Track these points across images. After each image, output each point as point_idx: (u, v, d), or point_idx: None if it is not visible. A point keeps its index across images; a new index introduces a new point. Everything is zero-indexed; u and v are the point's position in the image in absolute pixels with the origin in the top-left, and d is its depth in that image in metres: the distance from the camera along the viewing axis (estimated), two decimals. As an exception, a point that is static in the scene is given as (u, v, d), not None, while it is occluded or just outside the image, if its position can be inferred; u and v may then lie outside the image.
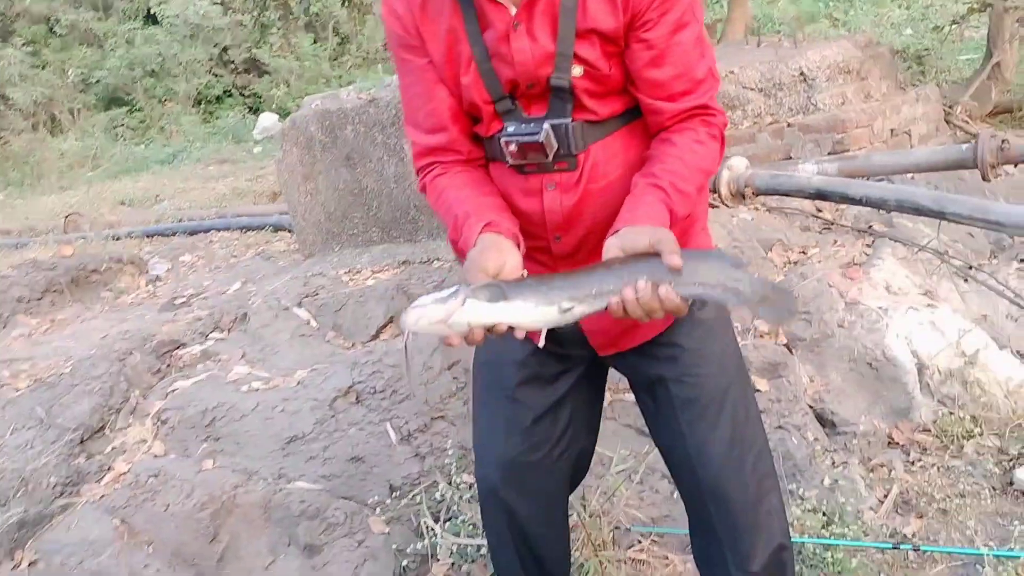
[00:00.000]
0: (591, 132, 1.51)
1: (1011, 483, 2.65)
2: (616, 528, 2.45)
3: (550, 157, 1.49)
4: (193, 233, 6.37)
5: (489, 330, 1.36)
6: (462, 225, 1.50)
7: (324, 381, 2.97)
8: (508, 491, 1.72)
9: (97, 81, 15.65)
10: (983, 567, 2.23)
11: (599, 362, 1.73)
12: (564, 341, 1.62)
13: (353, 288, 3.64)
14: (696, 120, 1.49)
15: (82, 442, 2.88)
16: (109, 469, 2.81)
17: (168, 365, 3.32)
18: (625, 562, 2.39)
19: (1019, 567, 2.23)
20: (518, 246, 1.48)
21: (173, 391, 3.08)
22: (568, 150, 1.49)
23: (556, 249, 1.58)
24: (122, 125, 15.13)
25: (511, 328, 1.37)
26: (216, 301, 4.01)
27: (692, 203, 1.48)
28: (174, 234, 6.48)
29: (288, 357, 3.26)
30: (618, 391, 2.96)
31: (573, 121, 1.48)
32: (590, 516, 2.40)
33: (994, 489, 2.64)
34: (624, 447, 2.68)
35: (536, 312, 1.38)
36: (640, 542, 2.46)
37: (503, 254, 1.42)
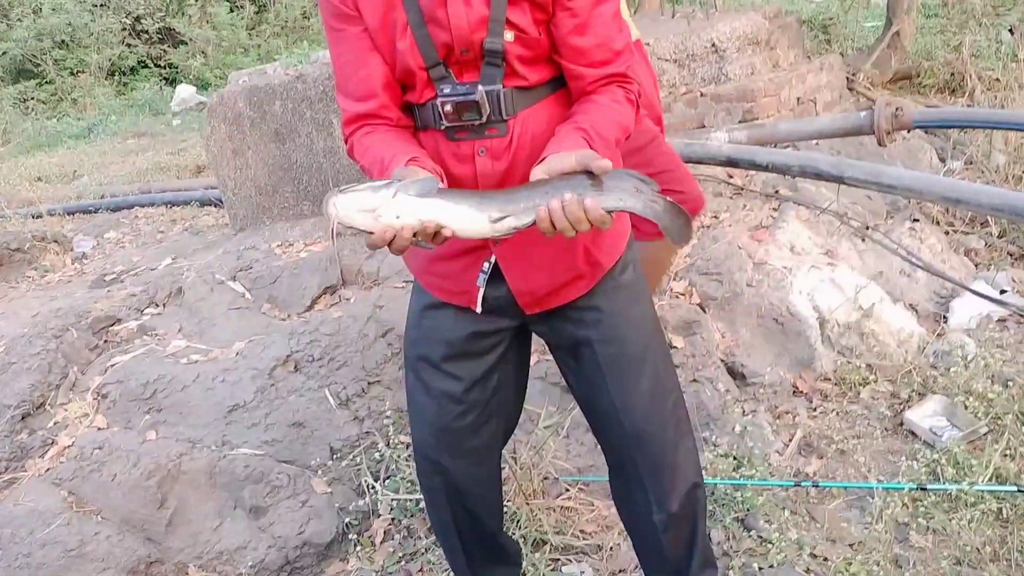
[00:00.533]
0: (520, 99, 1.59)
1: (901, 424, 2.91)
2: (545, 479, 2.64)
3: (484, 117, 1.56)
4: (117, 209, 6.29)
5: (416, 234, 1.37)
6: (388, 165, 1.52)
7: (263, 351, 3.07)
8: (442, 454, 1.86)
9: (3, 53, 15.04)
10: (873, 499, 2.48)
11: (524, 330, 1.87)
12: (495, 309, 1.76)
13: (287, 261, 3.72)
14: (614, 85, 1.62)
15: (23, 418, 2.93)
16: (53, 443, 2.87)
17: (105, 341, 3.37)
18: (554, 509, 2.57)
19: (904, 497, 2.48)
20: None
21: (112, 366, 3.14)
22: (499, 115, 1.57)
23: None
24: (32, 99, 14.60)
25: (439, 235, 1.39)
26: (148, 277, 4.04)
27: (612, 150, 1.57)
28: (97, 211, 6.40)
29: (225, 329, 3.34)
30: (545, 352, 3.14)
31: (504, 88, 1.58)
32: (521, 468, 2.57)
33: (886, 430, 2.90)
34: (551, 404, 2.86)
35: (467, 216, 1.39)
36: (568, 490, 2.64)
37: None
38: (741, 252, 3.28)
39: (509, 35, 1.54)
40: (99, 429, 2.91)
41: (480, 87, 1.56)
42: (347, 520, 2.67)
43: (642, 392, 1.78)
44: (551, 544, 2.45)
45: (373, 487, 2.68)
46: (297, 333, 3.13)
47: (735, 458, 2.70)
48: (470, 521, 1.97)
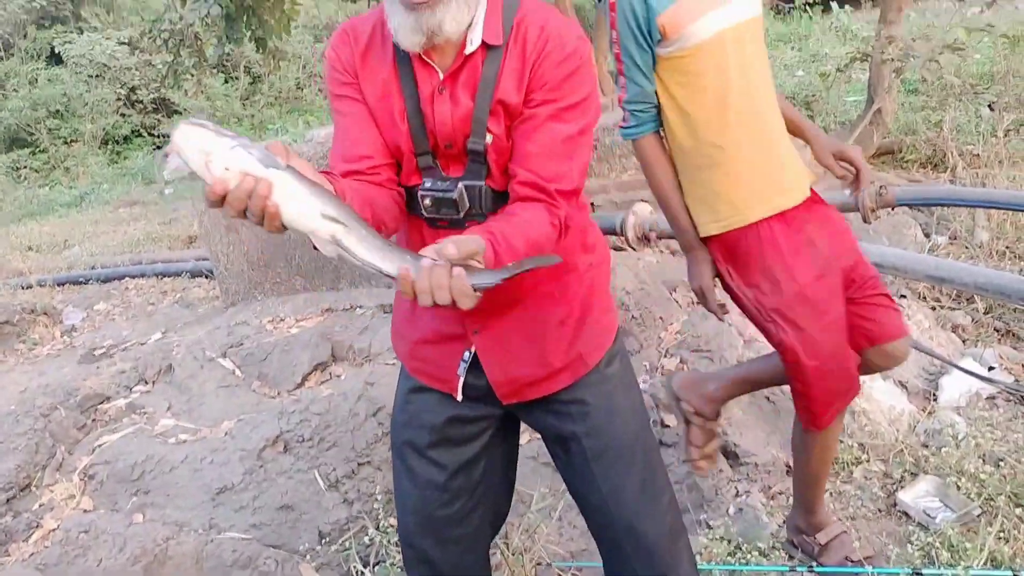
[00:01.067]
0: (498, 199, 1.64)
1: (894, 504, 2.89)
2: (538, 564, 2.60)
3: (461, 214, 1.60)
4: (107, 280, 6.31)
5: (249, 197, 1.27)
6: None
7: (252, 431, 3.06)
8: (425, 540, 1.84)
9: (-2, 123, 15.22)
10: (869, 583, 2.46)
11: (512, 417, 1.86)
12: (478, 397, 1.76)
13: (278, 337, 3.73)
14: (541, 204, 1.56)
15: (8, 501, 2.89)
16: (38, 526, 2.83)
17: (93, 420, 3.34)
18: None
19: (899, 582, 2.46)
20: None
21: (100, 446, 3.12)
22: (480, 210, 1.61)
23: None
24: (25, 167, 14.72)
25: (267, 212, 1.28)
26: (138, 352, 4.02)
27: (516, 256, 1.45)
28: (87, 281, 6.40)
29: (215, 408, 3.33)
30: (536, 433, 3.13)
31: (485, 185, 1.62)
32: (513, 554, 2.54)
33: (879, 511, 2.88)
34: (543, 485, 2.84)
35: (298, 197, 1.29)
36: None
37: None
38: (731, 329, 3.30)
39: (488, 138, 1.59)
40: (85, 511, 2.88)
41: (460, 184, 1.60)
42: (336, 606, 2.62)
43: (633, 486, 1.77)
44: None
45: (363, 573, 2.64)
46: (287, 412, 3.11)
47: (730, 542, 2.68)
48: None
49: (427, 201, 1.61)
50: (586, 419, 1.76)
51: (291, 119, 13.59)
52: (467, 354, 1.73)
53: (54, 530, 2.80)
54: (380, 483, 2.87)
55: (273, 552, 2.70)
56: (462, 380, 1.74)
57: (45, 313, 5.39)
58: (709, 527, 2.72)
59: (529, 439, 3.08)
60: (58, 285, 6.44)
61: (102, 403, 3.45)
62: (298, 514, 2.81)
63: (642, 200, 4.05)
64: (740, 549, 2.66)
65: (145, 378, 3.64)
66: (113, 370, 3.76)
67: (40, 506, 2.92)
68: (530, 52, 1.56)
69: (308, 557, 2.72)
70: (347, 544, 2.73)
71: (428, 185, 1.62)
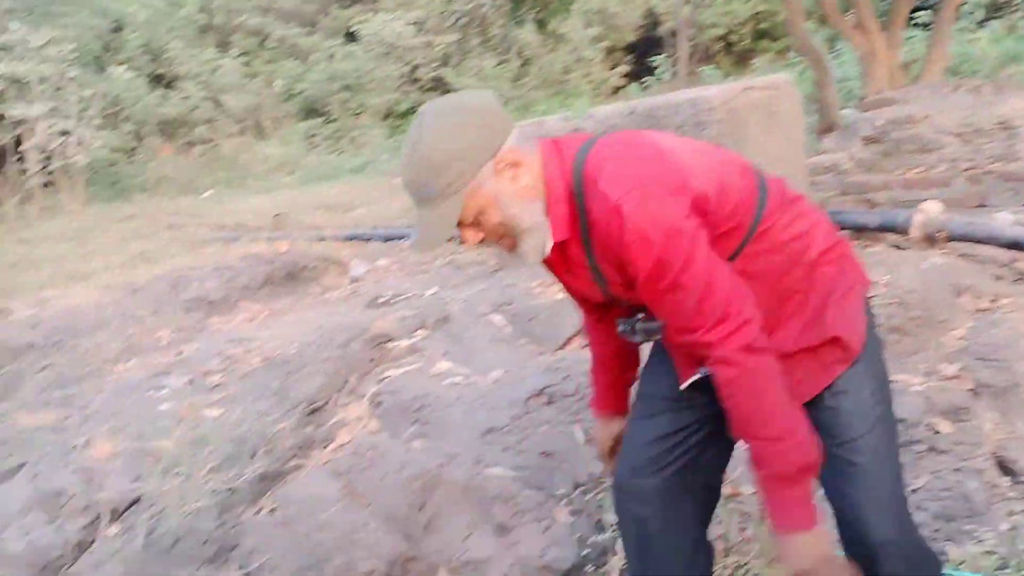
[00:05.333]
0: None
1: None
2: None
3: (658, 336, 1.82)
4: (388, 239, 6.89)
5: None
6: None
7: (519, 381, 3.28)
8: (630, 493, 1.97)
9: (299, 93, 16.93)
10: None
11: None
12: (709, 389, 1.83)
13: (545, 300, 3.95)
14: (713, 369, 1.66)
15: (310, 414, 3.31)
16: (333, 439, 3.22)
17: (381, 355, 3.73)
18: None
19: None
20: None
21: (386, 378, 3.47)
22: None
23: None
24: (317, 135, 16.29)
25: None
26: (417, 303, 4.41)
27: (775, 433, 1.62)
28: (370, 239, 7.03)
29: (486, 357, 3.59)
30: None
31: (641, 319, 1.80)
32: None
33: None
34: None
35: None
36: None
37: (609, 431, 2.13)
38: (1023, 341, 3.09)
39: (623, 299, 1.78)
40: (371, 432, 3.23)
41: (620, 324, 1.84)
42: (586, 552, 2.77)
43: (880, 500, 1.78)
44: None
45: (613, 525, 2.77)
46: (552, 369, 3.31)
47: (1001, 557, 2.54)
48: (654, 567, 2.00)
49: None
50: (832, 428, 1.78)
51: (555, 102, 13.98)
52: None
53: (346, 444, 3.17)
54: (636, 445, 2.98)
55: (532, 492, 2.89)
56: (695, 378, 1.85)
57: (336, 263, 6.01)
58: (979, 541, 2.59)
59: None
60: (346, 240, 7.12)
61: (388, 342, 3.83)
62: (557, 462, 2.98)
63: (928, 199, 3.86)
64: (1010, 566, 2.52)
65: (425, 325, 3.99)
66: (396, 315, 4.15)
67: (336, 422, 3.32)
68: (608, 246, 1.66)
69: (564, 502, 2.89)
70: (600, 496, 2.87)
71: (620, 329, 1.86)
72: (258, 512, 2.88)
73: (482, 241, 1.72)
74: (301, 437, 3.18)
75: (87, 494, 2.87)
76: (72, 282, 6.50)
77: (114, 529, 2.81)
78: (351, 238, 7.14)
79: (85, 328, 4.63)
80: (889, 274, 3.44)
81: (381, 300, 4.77)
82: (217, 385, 3.61)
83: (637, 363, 2.14)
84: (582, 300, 2.01)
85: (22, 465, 3.10)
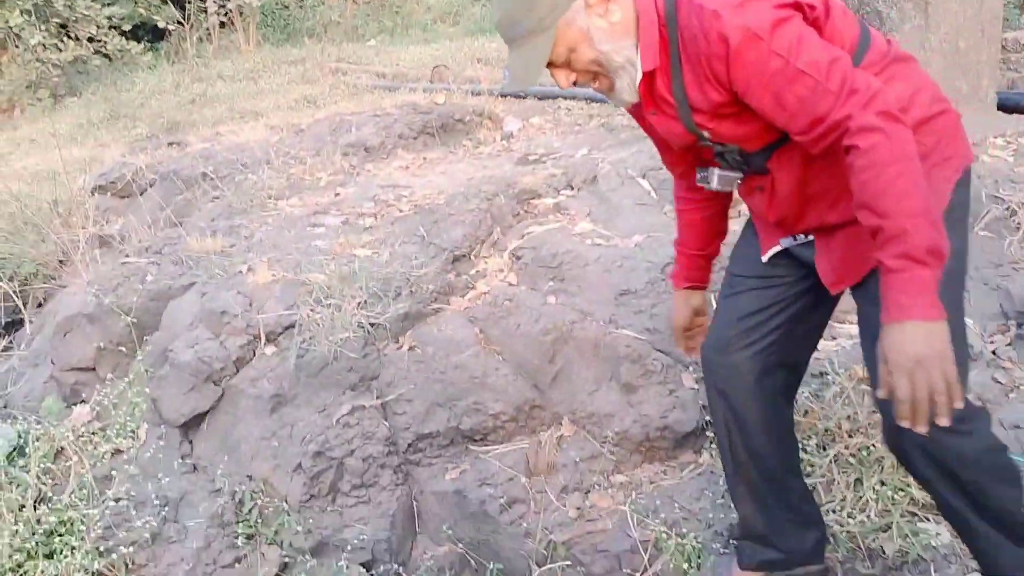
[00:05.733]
0: (761, 155, 1.77)
1: None
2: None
3: (733, 188, 1.88)
4: (543, 98, 6.83)
5: None
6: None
7: (659, 247, 3.26)
8: (716, 369, 1.99)
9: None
10: None
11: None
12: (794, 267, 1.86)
13: (695, 168, 3.85)
14: (850, 149, 1.53)
15: (453, 261, 3.43)
16: (472, 288, 3.34)
17: (526, 211, 3.78)
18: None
19: None
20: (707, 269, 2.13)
21: (528, 233, 3.53)
22: (755, 170, 1.80)
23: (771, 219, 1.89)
24: (482, -14, 16.01)
25: None
26: (567, 162, 4.40)
27: (913, 208, 1.47)
28: (526, 96, 6.98)
29: (629, 221, 3.58)
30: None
31: (745, 152, 1.78)
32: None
33: None
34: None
35: None
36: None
37: (688, 306, 2.16)
38: None
39: (706, 133, 1.75)
40: (510, 284, 3.32)
41: (715, 171, 1.86)
42: (707, 418, 2.81)
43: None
44: (911, 498, 2.39)
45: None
46: (694, 237, 3.26)
47: None
48: (741, 440, 2.03)
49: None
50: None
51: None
52: (799, 238, 1.87)
53: (485, 293, 3.28)
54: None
55: (661, 356, 2.93)
56: (780, 248, 1.89)
57: (490, 118, 6.03)
58: None
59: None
60: (501, 96, 7.10)
61: (533, 199, 3.87)
62: (689, 329, 2.99)
63: None
64: None
65: (572, 184, 3.99)
66: (545, 173, 4.17)
67: (476, 272, 3.43)
68: (696, 63, 1.63)
69: (691, 368, 2.91)
70: (729, 367, 2.87)
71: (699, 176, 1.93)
72: (399, 348, 3.06)
73: (575, 83, 1.72)
74: (443, 283, 3.32)
75: (248, 315, 3.12)
76: (243, 120, 6.85)
77: (270, 349, 3.07)
78: (506, 94, 7.12)
79: (252, 164, 4.90)
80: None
81: (531, 157, 4.79)
82: (369, 227, 3.78)
83: (723, 234, 2.14)
84: (668, 153, 1.98)
85: (192, 284, 3.40)
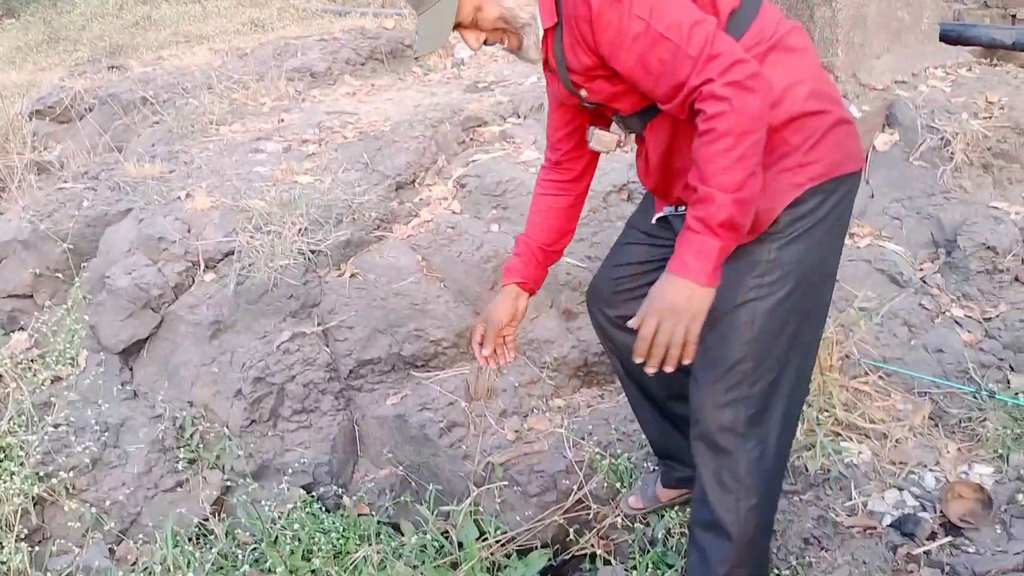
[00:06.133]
0: (633, 121, 1.81)
1: None
2: (847, 357, 2.63)
3: (613, 148, 1.91)
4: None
5: None
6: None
7: (601, 176, 3.26)
8: (594, 306, 2.17)
9: None
10: None
11: None
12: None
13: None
14: (699, 116, 1.54)
15: (397, 189, 3.40)
16: (416, 216, 3.33)
17: (471, 139, 3.75)
18: (847, 388, 2.58)
19: None
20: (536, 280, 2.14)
21: (473, 161, 3.51)
22: (637, 137, 1.85)
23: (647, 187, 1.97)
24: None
25: None
26: (515, 90, 4.36)
27: (717, 198, 1.51)
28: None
29: (573, 150, 3.57)
30: (880, 237, 3.04)
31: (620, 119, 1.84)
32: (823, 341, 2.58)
33: None
34: (871, 290, 2.80)
35: None
36: (867, 375, 2.62)
37: (514, 305, 2.13)
38: None
39: (584, 92, 1.77)
40: (454, 212, 3.32)
41: (594, 130, 1.91)
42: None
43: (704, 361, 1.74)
44: (835, 418, 2.48)
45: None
46: (634, 165, 3.27)
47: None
48: (623, 368, 2.23)
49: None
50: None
51: None
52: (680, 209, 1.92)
53: (428, 221, 3.27)
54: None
55: (601, 284, 2.96)
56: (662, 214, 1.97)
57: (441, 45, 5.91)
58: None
59: (870, 243, 3.02)
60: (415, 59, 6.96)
61: (480, 126, 3.83)
62: (629, 257, 3.02)
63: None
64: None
65: (519, 112, 3.96)
66: (492, 100, 4.13)
67: (419, 200, 3.41)
68: (570, 25, 1.65)
69: (630, 296, 2.95)
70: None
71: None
72: (340, 275, 3.05)
73: (485, 42, 1.73)
74: (386, 210, 3.30)
75: (186, 242, 3.08)
76: (187, 44, 6.65)
77: (209, 276, 3.04)
78: (419, 57, 6.98)
79: (194, 89, 4.78)
80: (1009, 96, 3.20)
81: (480, 85, 4.73)
82: (312, 154, 3.72)
83: (570, 233, 2.16)
84: (553, 115, 2.01)
85: (129, 210, 3.34)
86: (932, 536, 2.14)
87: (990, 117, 3.10)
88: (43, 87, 5.61)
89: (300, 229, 3.11)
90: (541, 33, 1.70)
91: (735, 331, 1.70)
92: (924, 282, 2.90)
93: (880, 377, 2.62)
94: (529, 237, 2.12)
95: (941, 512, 2.20)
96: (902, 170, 3.24)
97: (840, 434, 2.48)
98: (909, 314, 2.78)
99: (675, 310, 1.54)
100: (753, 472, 1.76)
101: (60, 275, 3.35)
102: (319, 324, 2.94)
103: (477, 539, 2.47)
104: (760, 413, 1.75)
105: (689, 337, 1.56)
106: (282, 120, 4.28)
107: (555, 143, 2.05)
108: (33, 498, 2.67)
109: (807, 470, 2.38)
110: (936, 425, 2.52)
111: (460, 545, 2.48)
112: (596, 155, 2.05)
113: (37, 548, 2.61)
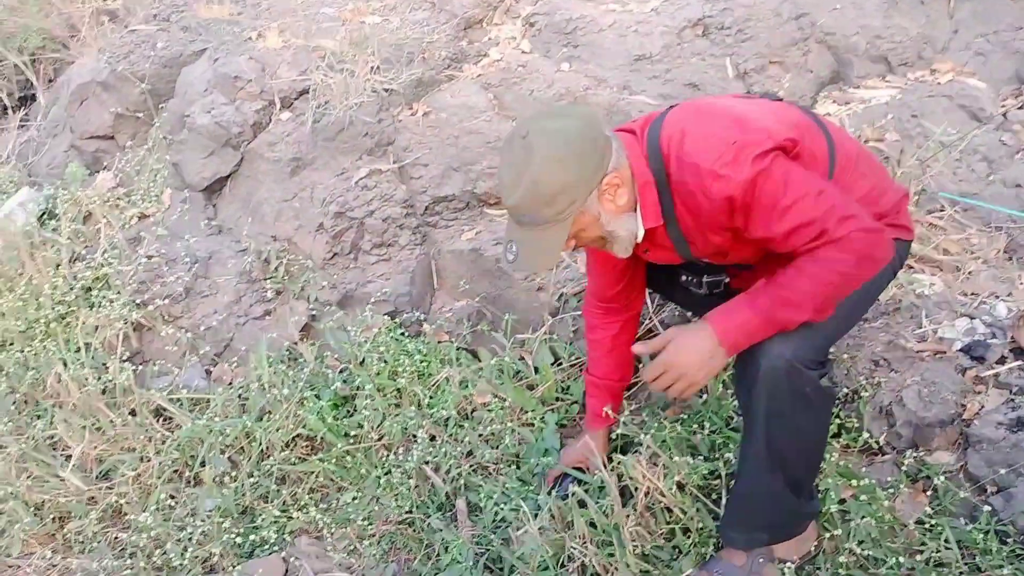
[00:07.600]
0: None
1: None
2: (922, 191, 2.63)
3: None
4: None
5: None
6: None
7: (677, 10, 3.20)
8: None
9: None
10: None
11: None
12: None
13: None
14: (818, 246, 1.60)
15: (465, 29, 3.38)
16: (485, 55, 3.31)
17: (540, -24, 3.66)
18: (921, 223, 2.58)
19: None
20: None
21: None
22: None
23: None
24: None
25: None
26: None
27: (799, 303, 1.61)
28: None
29: (645, -14, 3.48)
30: (962, 73, 2.96)
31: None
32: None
33: None
34: (951, 126, 2.75)
35: None
36: (943, 209, 2.62)
37: (600, 445, 2.17)
38: None
39: (704, 260, 1.86)
40: (523, 52, 3.29)
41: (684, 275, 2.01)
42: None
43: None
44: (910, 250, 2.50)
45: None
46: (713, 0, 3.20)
47: None
48: None
49: None
50: None
51: None
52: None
53: (497, 61, 3.26)
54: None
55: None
56: None
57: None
58: None
59: (951, 79, 2.94)
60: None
61: (547, -36, 3.74)
62: (703, 93, 2.99)
63: None
64: None
65: (588, -52, 3.84)
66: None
67: (488, 39, 3.38)
68: (697, 215, 1.67)
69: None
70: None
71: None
72: (413, 114, 3.08)
73: (574, 249, 1.82)
74: (455, 50, 3.29)
75: (261, 80, 3.12)
76: None
77: (285, 115, 3.10)
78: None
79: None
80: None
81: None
82: (378, -6, 3.69)
83: (632, 363, 2.21)
84: (608, 275, 2.04)
85: (203, 51, 3.37)
86: (1002, 360, 2.19)
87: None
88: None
89: (372, 68, 3.12)
90: (641, 235, 1.74)
91: None
92: (1005, 117, 2.83)
93: (956, 211, 2.62)
94: (598, 376, 2.19)
95: (1012, 339, 2.23)
96: (989, 3, 3.12)
97: (912, 267, 2.50)
98: (989, 149, 2.73)
99: (687, 365, 1.67)
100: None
101: (139, 115, 3.44)
102: (395, 161, 2.99)
103: (552, 364, 2.59)
104: None
105: (684, 394, 1.71)
106: (345, -39, 4.21)
107: (610, 297, 2.09)
108: (132, 324, 2.85)
109: (878, 300, 2.42)
110: (1010, 258, 2.52)
111: (536, 370, 2.59)
112: (645, 279, 2.11)
113: (140, 367, 2.80)
